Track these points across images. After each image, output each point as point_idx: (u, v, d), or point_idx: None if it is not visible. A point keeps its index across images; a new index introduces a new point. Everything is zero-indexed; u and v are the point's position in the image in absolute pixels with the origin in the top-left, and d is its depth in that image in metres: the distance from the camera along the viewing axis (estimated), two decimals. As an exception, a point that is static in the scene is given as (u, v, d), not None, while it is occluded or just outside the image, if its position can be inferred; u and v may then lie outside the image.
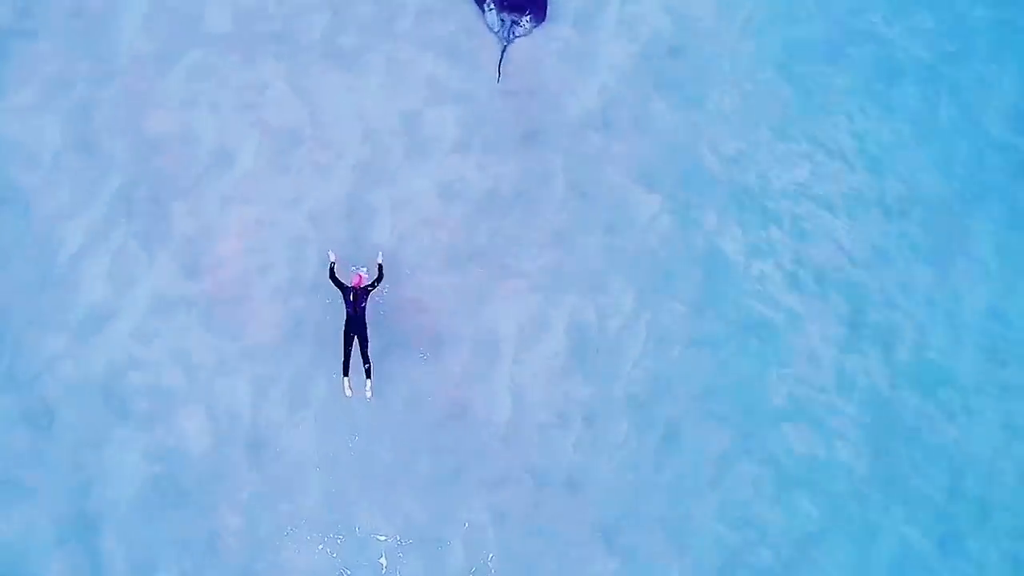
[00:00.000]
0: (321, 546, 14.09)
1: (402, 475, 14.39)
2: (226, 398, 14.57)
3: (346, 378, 14.25)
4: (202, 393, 14.57)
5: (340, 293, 14.23)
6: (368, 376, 14.23)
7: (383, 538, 14.16)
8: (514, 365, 14.85)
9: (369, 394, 14.34)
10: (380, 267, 14.33)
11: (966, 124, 15.96)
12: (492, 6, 15.81)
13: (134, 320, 14.75)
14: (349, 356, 14.19)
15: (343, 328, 14.20)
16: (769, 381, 14.91)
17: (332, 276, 14.17)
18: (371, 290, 14.19)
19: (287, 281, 14.98)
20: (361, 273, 14.30)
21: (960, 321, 15.22)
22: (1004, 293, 15.32)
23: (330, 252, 14.49)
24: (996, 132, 15.94)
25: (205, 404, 14.53)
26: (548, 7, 16.00)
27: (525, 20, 15.81)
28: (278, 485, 14.30)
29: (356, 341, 14.17)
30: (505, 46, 15.80)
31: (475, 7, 16.15)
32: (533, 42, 16.04)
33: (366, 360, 14.19)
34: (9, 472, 14.23)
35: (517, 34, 15.79)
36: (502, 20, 15.75)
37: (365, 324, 14.15)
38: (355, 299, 14.08)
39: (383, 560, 14.07)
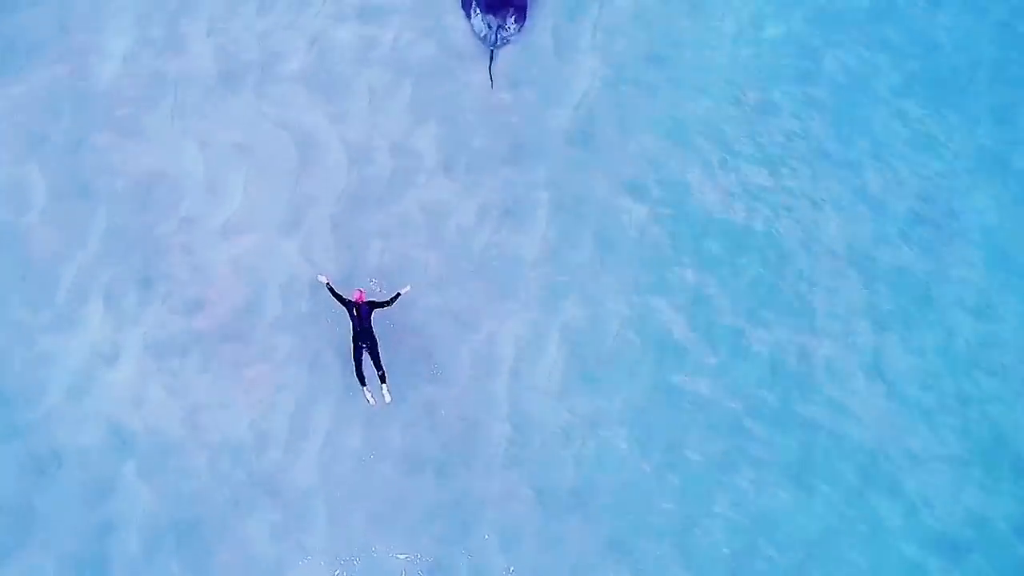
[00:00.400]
0: (337, 571, 14.00)
1: (408, 498, 14.34)
2: (230, 432, 14.50)
3: (364, 388, 14.29)
4: (205, 429, 14.49)
5: (344, 311, 14.33)
6: (383, 381, 14.28)
7: (403, 556, 14.11)
8: (513, 381, 14.86)
9: (388, 398, 14.37)
10: (398, 295, 14.38)
11: (948, 116, 16.23)
12: (478, 12, 16.09)
13: (134, 359, 14.70)
14: (361, 366, 14.23)
15: (351, 341, 14.25)
16: (767, 383, 14.97)
17: (333, 294, 14.24)
18: (377, 307, 14.25)
19: (282, 312, 14.97)
20: (363, 289, 14.47)
21: (952, 313, 15.36)
22: (995, 284, 15.48)
23: (320, 276, 14.56)
24: (982, 126, 16.19)
25: (209, 440, 14.45)
26: (527, 13, 16.26)
27: (511, 23, 16.09)
28: (287, 516, 14.20)
29: (366, 352, 14.22)
30: (493, 50, 16.05)
31: (456, 20, 16.36)
32: (512, 57, 16.26)
33: (379, 368, 14.25)
34: (17, 516, 14.07)
35: (504, 38, 16.07)
36: (488, 25, 16.02)
37: (373, 336, 14.22)
38: (359, 314, 14.16)
39: (402, 580, 14.14)
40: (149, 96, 15.80)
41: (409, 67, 16.14)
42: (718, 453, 14.69)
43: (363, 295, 14.28)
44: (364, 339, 14.14)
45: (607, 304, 15.25)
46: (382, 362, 14.27)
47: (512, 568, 14.16)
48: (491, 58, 16.04)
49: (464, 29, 16.34)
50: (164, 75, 15.90)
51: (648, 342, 15.11)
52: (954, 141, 16.04)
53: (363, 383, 14.26)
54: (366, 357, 14.23)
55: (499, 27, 16.02)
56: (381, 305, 14.24)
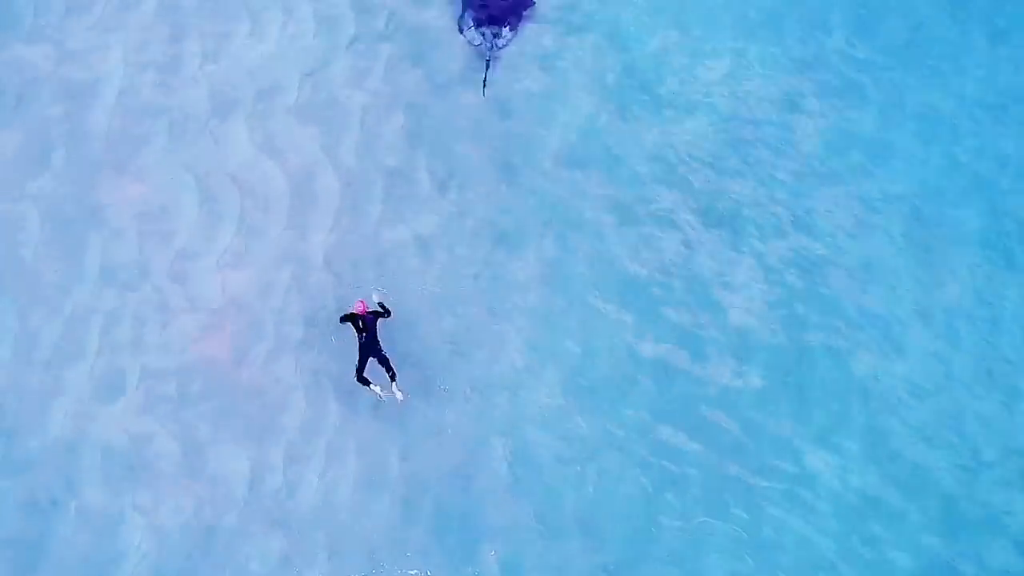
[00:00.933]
0: (341, 598, 13.92)
1: (409, 524, 14.17)
2: (228, 462, 14.40)
3: (370, 385, 14.36)
4: (204, 459, 14.39)
5: (352, 328, 14.48)
6: (393, 379, 14.36)
7: (414, 572, 13.96)
8: (512, 405, 14.78)
9: (400, 396, 14.41)
10: (381, 304, 14.59)
11: (934, 133, 16.41)
12: (471, 24, 16.39)
13: (132, 391, 14.65)
14: (363, 369, 14.33)
15: (359, 353, 14.37)
16: (767, 405, 14.83)
17: (343, 318, 14.47)
18: (379, 317, 14.47)
19: (278, 341, 14.96)
20: (363, 300, 14.63)
21: (950, 322, 15.27)
22: (987, 298, 15.46)
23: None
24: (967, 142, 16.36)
25: (208, 470, 14.35)
26: (519, 27, 16.55)
27: (505, 31, 16.39)
28: (290, 543, 14.04)
29: (374, 359, 14.35)
30: (488, 59, 16.26)
31: (446, 46, 16.64)
32: (504, 81, 16.48)
33: (389, 369, 14.37)
34: (23, 550, 13.94)
35: (499, 46, 16.35)
36: (483, 34, 16.31)
37: (379, 345, 14.36)
38: (364, 325, 14.33)
39: (415, 600, 14.01)
40: (144, 130, 15.99)
41: (401, 94, 16.38)
42: (720, 474, 14.53)
43: (365, 305, 14.47)
44: (372, 348, 14.29)
45: (603, 326, 15.23)
46: (391, 364, 14.37)
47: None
48: (487, 67, 16.29)
49: (454, 53, 16.65)
50: (158, 109, 16.12)
51: (644, 364, 15.04)
52: (943, 152, 16.24)
53: (367, 383, 14.34)
54: (372, 363, 14.32)
55: (494, 36, 16.35)
56: (382, 315, 14.48)
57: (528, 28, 16.69)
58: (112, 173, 15.72)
